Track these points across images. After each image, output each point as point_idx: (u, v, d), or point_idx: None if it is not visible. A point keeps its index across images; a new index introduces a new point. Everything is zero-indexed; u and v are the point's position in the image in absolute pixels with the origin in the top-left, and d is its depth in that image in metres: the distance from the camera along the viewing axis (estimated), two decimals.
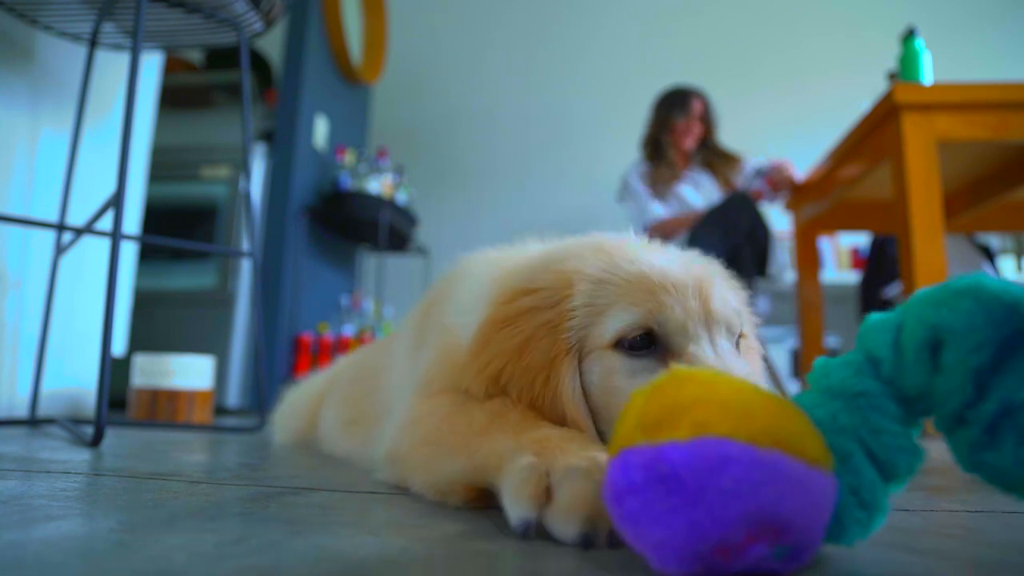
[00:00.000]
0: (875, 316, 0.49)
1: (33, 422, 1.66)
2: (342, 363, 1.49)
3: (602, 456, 0.52)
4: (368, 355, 1.27)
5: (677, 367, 0.46)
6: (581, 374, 0.67)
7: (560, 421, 0.65)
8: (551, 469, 0.51)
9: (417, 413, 0.77)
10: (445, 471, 0.64)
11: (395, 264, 4.43)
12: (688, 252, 0.76)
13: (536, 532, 0.49)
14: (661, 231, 3.05)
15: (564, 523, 0.48)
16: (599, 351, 0.66)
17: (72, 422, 1.64)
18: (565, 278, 0.68)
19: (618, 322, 0.65)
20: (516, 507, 0.50)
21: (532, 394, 0.67)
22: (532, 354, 0.67)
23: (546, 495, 0.49)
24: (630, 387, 0.63)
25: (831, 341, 3.97)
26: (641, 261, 0.68)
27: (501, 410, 0.66)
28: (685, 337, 0.64)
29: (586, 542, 0.47)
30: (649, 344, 0.65)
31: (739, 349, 0.71)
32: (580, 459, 0.51)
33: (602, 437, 0.68)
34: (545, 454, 0.54)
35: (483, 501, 0.62)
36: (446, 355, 0.81)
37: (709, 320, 0.65)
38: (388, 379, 1.06)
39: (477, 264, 0.93)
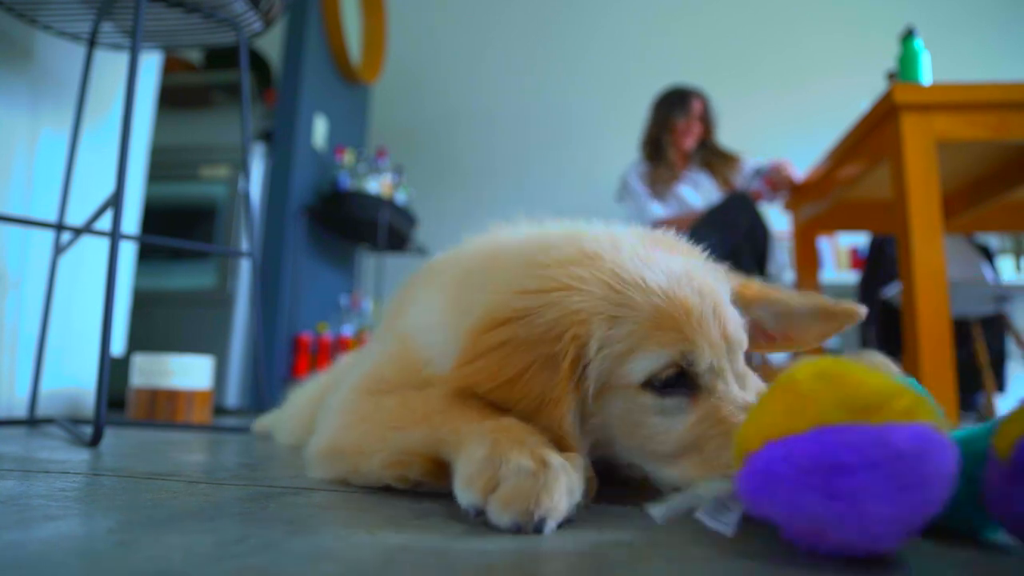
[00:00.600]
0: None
1: (32, 422, 1.65)
2: (343, 363, 1.49)
3: (554, 457, 0.56)
4: (358, 357, 1.28)
5: (808, 361, 0.49)
6: (598, 406, 0.67)
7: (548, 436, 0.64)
8: (503, 463, 0.55)
9: (365, 409, 0.76)
10: (405, 442, 0.66)
11: (394, 264, 4.42)
12: (683, 256, 0.75)
13: (477, 515, 0.55)
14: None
15: (500, 514, 0.53)
16: (625, 389, 0.66)
17: (71, 422, 1.64)
18: (570, 316, 0.65)
19: (648, 364, 0.64)
20: (466, 493, 0.56)
21: (522, 416, 0.65)
22: (527, 387, 0.65)
23: (493, 486, 0.54)
24: (663, 424, 0.65)
25: (830, 341, 3.97)
26: (653, 290, 0.65)
27: (464, 399, 0.68)
28: (713, 374, 0.65)
29: (517, 529, 0.52)
30: (678, 380, 0.65)
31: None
32: (530, 459, 0.55)
33: (616, 461, 0.70)
34: (500, 446, 0.57)
35: (441, 478, 0.64)
36: (399, 360, 0.81)
37: (730, 349, 0.67)
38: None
39: (441, 264, 0.94)
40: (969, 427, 0.57)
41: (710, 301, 0.67)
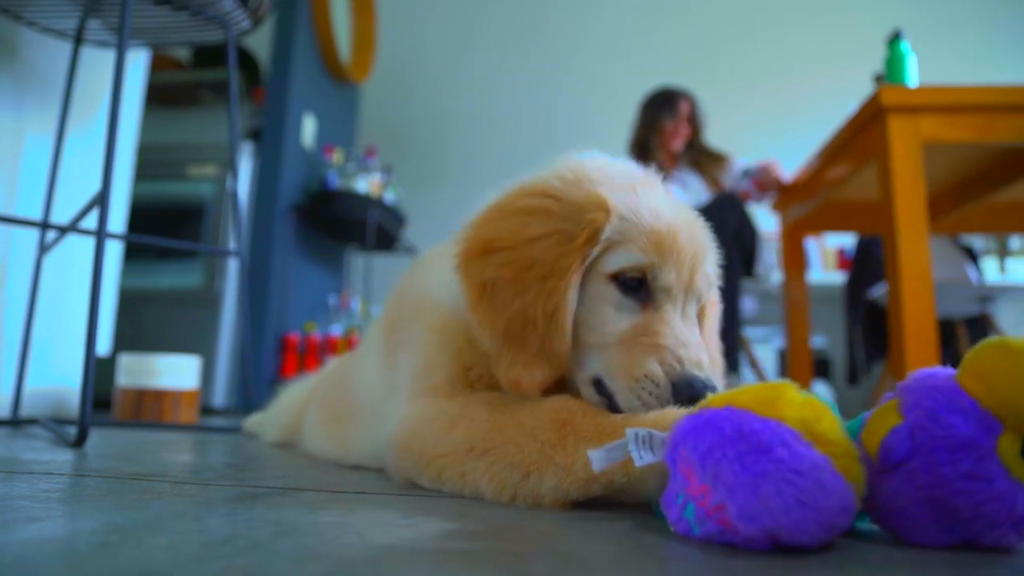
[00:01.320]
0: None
1: (16, 422, 1.64)
2: (331, 365, 1.49)
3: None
4: (347, 357, 1.31)
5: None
6: (582, 293, 0.74)
7: (542, 338, 0.71)
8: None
9: (452, 411, 0.77)
10: (537, 487, 0.66)
11: (383, 264, 4.41)
12: (692, 212, 0.82)
13: None
14: None
15: None
16: (600, 277, 0.74)
17: (55, 422, 1.62)
18: (597, 201, 0.73)
19: (622, 259, 0.73)
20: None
21: (524, 301, 0.72)
22: (542, 252, 0.72)
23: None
24: (613, 316, 0.73)
25: (817, 341, 4.00)
26: (661, 215, 0.74)
27: (537, 410, 0.71)
28: (666, 296, 0.74)
29: None
30: (640, 287, 0.74)
31: (702, 314, 0.82)
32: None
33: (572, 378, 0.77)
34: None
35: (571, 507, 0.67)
36: (438, 331, 0.85)
37: (689, 289, 0.75)
38: (360, 379, 1.10)
39: (436, 249, 0.99)
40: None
41: (698, 249, 0.76)
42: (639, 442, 0.57)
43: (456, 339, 0.84)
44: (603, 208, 0.73)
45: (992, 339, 0.51)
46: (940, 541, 0.49)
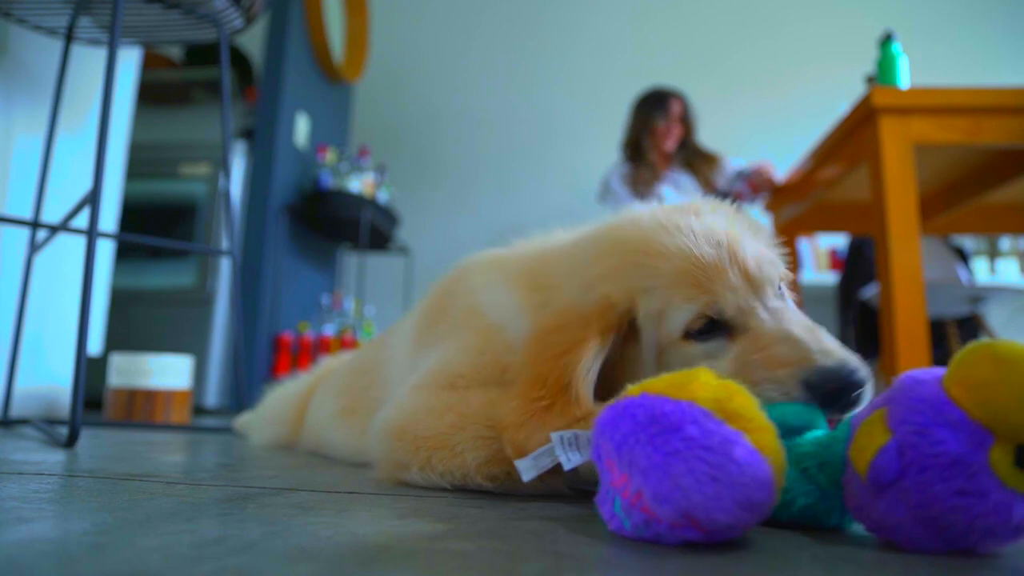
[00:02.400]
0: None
1: (6, 423, 1.63)
2: (325, 364, 1.49)
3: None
4: (368, 350, 1.27)
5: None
6: (663, 365, 0.74)
7: (552, 399, 0.71)
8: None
9: (448, 399, 0.80)
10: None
11: (376, 263, 4.41)
12: (701, 208, 0.80)
13: None
14: None
15: None
16: (672, 344, 0.73)
17: (46, 422, 1.61)
18: (607, 302, 0.74)
19: (680, 318, 0.71)
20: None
21: (544, 365, 0.72)
22: (560, 335, 0.74)
23: None
24: (712, 365, 0.69)
25: None
26: (673, 253, 0.72)
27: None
28: (741, 314, 0.70)
29: None
30: (714, 325, 0.71)
31: (782, 292, 0.77)
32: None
33: None
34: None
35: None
36: (482, 337, 0.86)
37: (754, 287, 0.71)
38: (387, 372, 1.09)
39: (485, 261, 0.98)
40: (826, 431, 0.60)
41: (726, 249, 0.72)
42: (565, 444, 0.57)
43: (490, 355, 0.85)
44: (609, 304, 0.73)
45: (978, 345, 0.49)
46: (939, 550, 0.48)
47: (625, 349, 0.75)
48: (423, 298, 1.08)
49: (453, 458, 0.75)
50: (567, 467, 0.57)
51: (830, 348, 0.65)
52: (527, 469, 0.58)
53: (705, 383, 0.51)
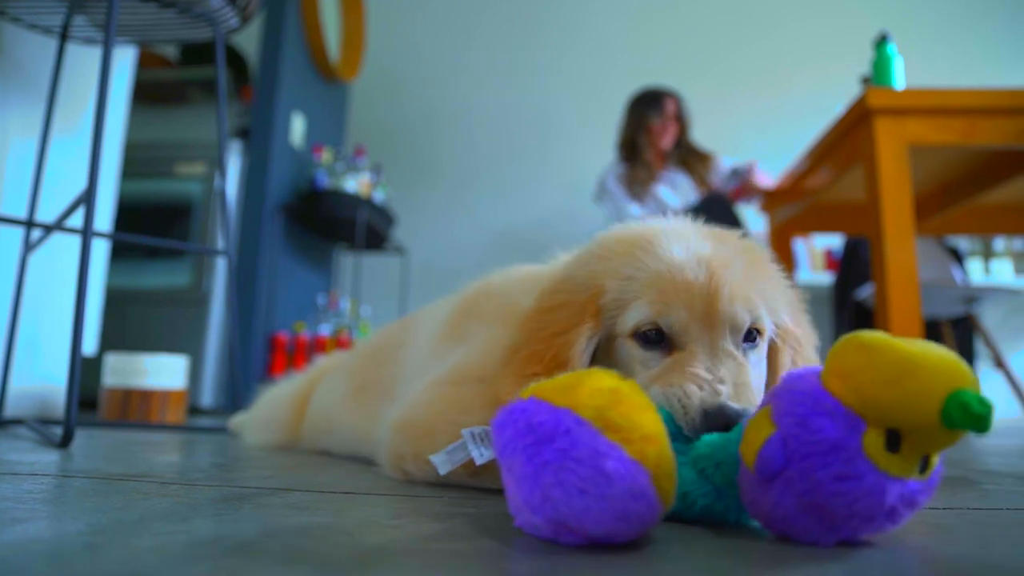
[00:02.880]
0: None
1: (0, 422, 1.62)
2: (321, 364, 1.48)
3: None
4: (385, 334, 1.28)
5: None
6: (613, 351, 0.77)
7: (560, 368, 0.73)
8: None
9: (443, 393, 0.82)
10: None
11: (372, 263, 4.40)
12: (721, 235, 0.80)
13: None
14: None
15: None
16: (623, 338, 0.75)
17: (41, 422, 1.61)
18: (593, 277, 0.77)
19: (635, 317, 0.73)
20: None
21: (533, 347, 0.76)
22: (555, 317, 0.77)
23: None
24: (642, 372, 0.73)
25: None
26: (663, 258, 0.74)
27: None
28: (687, 336, 0.71)
29: None
30: (661, 338, 0.73)
31: (774, 352, 0.78)
32: None
33: None
34: None
35: None
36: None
37: (713, 321, 0.71)
38: (405, 353, 1.10)
39: (524, 268, 1.01)
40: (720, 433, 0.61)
41: (715, 280, 0.72)
42: (476, 440, 0.58)
43: None
44: (603, 279, 0.76)
45: (849, 335, 0.51)
46: (828, 541, 0.50)
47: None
48: (456, 294, 1.08)
49: (432, 446, 0.76)
50: (478, 462, 0.58)
51: (744, 397, 0.67)
52: (442, 463, 0.59)
53: (592, 388, 0.51)
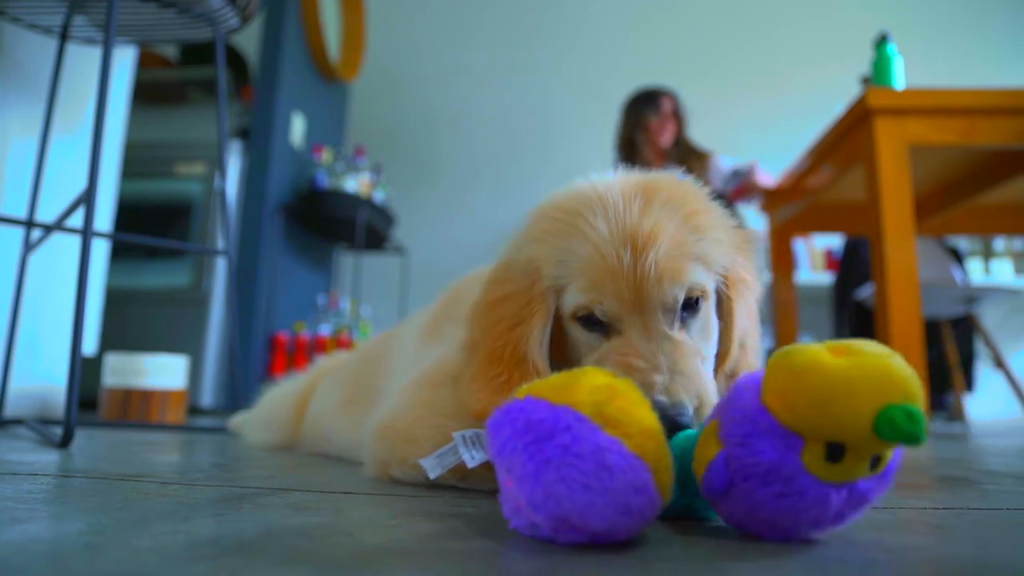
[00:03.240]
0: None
1: (0, 423, 1.62)
2: (321, 364, 1.48)
3: None
4: (376, 341, 1.28)
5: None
6: (564, 333, 0.78)
7: (509, 374, 0.75)
8: None
9: (423, 396, 0.83)
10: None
11: (372, 263, 4.40)
12: (651, 188, 0.78)
13: None
14: None
15: None
16: (568, 319, 0.76)
17: (41, 422, 1.61)
18: (532, 262, 0.78)
19: (571, 301, 0.74)
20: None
21: (494, 345, 0.76)
22: (506, 308, 0.78)
23: None
24: (587, 350, 0.75)
25: (805, 341, 4.02)
26: (590, 239, 0.73)
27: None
28: (621, 322, 0.72)
29: None
30: (599, 321, 0.74)
31: (695, 314, 0.75)
32: None
33: None
34: None
35: (489, 469, 0.69)
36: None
37: (643, 305, 0.71)
38: (389, 364, 1.10)
39: (487, 269, 0.99)
40: (691, 431, 0.62)
41: (640, 262, 0.71)
42: (467, 443, 0.57)
43: None
44: (542, 263, 0.76)
45: (779, 354, 0.52)
46: (788, 539, 0.52)
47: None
48: (440, 296, 1.09)
49: (417, 451, 0.77)
50: (470, 465, 0.58)
51: (676, 388, 0.66)
52: (432, 467, 0.59)
53: (588, 386, 0.51)
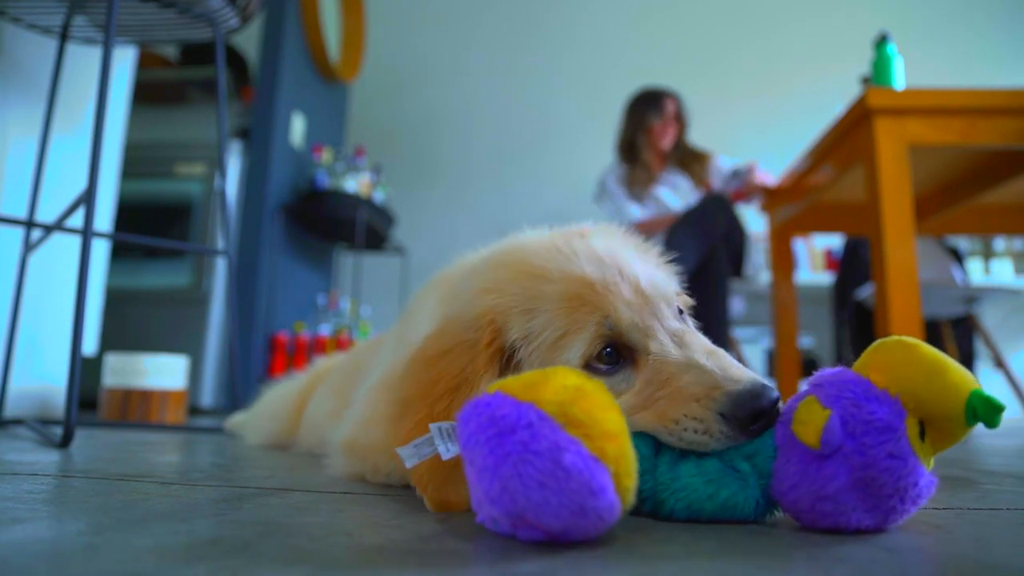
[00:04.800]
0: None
1: (0, 422, 1.62)
2: (321, 364, 1.48)
3: None
4: (360, 351, 1.28)
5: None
6: None
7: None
8: None
9: (385, 408, 0.80)
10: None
11: (372, 263, 4.40)
12: (600, 230, 0.77)
13: None
14: (638, 233, 3.07)
15: None
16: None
17: (41, 423, 1.61)
18: (486, 314, 0.69)
19: (579, 347, 0.65)
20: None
21: (434, 410, 0.66)
22: (449, 365, 0.68)
23: None
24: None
25: (805, 341, 4.03)
26: (558, 278, 0.68)
27: None
28: (640, 333, 0.66)
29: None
30: (615, 356, 0.66)
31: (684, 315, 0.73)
32: None
33: None
34: None
35: None
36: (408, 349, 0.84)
37: (648, 303, 0.67)
38: (369, 376, 1.07)
39: (441, 275, 0.96)
40: None
41: (613, 267, 0.68)
42: (443, 435, 0.58)
43: None
44: (499, 314, 0.69)
45: (887, 338, 0.58)
46: (860, 523, 0.54)
47: (506, 374, 0.68)
48: (408, 301, 1.08)
49: (389, 461, 0.77)
50: (445, 457, 0.57)
51: (736, 373, 0.61)
52: (409, 456, 0.59)
53: (557, 385, 0.51)
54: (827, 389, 0.57)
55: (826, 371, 0.59)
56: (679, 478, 0.59)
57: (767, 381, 0.61)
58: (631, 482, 0.49)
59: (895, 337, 0.57)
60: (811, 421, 0.55)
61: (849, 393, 0.55)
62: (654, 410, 0.63)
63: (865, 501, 0.54)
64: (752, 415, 0.59)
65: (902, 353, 0.56)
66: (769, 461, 0.58)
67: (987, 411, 0.52)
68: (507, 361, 0.68)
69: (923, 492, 0.55)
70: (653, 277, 0.70)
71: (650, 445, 0.62)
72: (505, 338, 0.68)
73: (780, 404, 0.61)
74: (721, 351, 0.66)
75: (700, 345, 0.65)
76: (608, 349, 0.66)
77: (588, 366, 0.66)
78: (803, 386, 0.60)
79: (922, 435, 0.55)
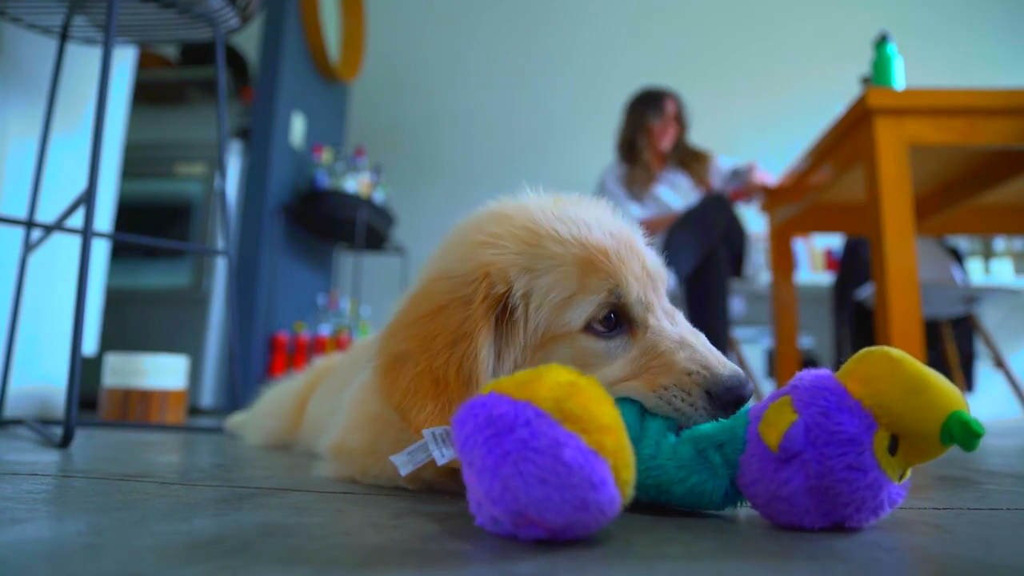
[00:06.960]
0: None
1: (0, 423, 1.62)
2: (320, 364, 1.48)
3: None
4: (359, 350, 1.27)
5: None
6: (544, 356, 0.70)
7: (453, 397, 0.66)
8: None
9: (374, 408, 0.80)
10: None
11: (372, 263, 4.40)
12: (593, 202, 0.79)
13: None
14: None
15: None
16: (567, 336, 0.69)
17: (41, 423, 1.60)
18: (484, 267, 0.69)
19: (585, 309, 0.68)
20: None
21: (433, 363, 0.67)
22: (444, 321, 0.69)
23: None
24: (608, 362, 0.69)
25: (805, 341, 4.03)
26: (568, 240, 0.69)
27: None
28: (643, 307, 0.70)
29: None
30: (619, 320, 0.70)
31: None
32: None
33: None
34: None
35: (453, 478, 0.70)
36: None
37: (652, 280, 0.71)
38: (363, 375, 1.07)
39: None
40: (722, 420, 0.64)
41: (625, 240, 0.71)
42: (437, 440, 0.58)
43: None
44: (497, 270, 0.69)
45: (874, 348, 0.58)
46: (817, 524, 0.55)
47: (500, 332, 0.69)
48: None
49: (378, 463, 0.77)
50: (440, 462, 0.57)
51: (721, 358, 0.67)
52: (403, 464, 0.59)
53: (551, 382, 0.51)
54: (801, 393, 0.57)
55: (807, 373, 0.59)
56: (656, 457, 0.62)
57: (744, 374, 0.67)
58: (630, 475, 0.50)
59: (883, 348, 0.57)
60: (776, 424, 0.56)
61: (822, 401, 0.56)
62: (645, 377, 0.67)
63: (820, 507, 0.54)
64: (736, 400, 0.64)
65: (885, 366, 0.56)
66: (738, 453, 0.60)
67: (964, 435, 0.51)
68: (503, 316, 0.69)
69: (885, 503, 0.55)
70: (653, 256, 0.74)
71: (636, 417, 0.65)
72: (503, 293, 0.68)
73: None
74: (701, 334, 0.71)
75: (687, 325, 0.71)
76: (611, 315, 0.69)
77: (589, 327, 0.69)
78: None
79: (894, 449, 0.55)
